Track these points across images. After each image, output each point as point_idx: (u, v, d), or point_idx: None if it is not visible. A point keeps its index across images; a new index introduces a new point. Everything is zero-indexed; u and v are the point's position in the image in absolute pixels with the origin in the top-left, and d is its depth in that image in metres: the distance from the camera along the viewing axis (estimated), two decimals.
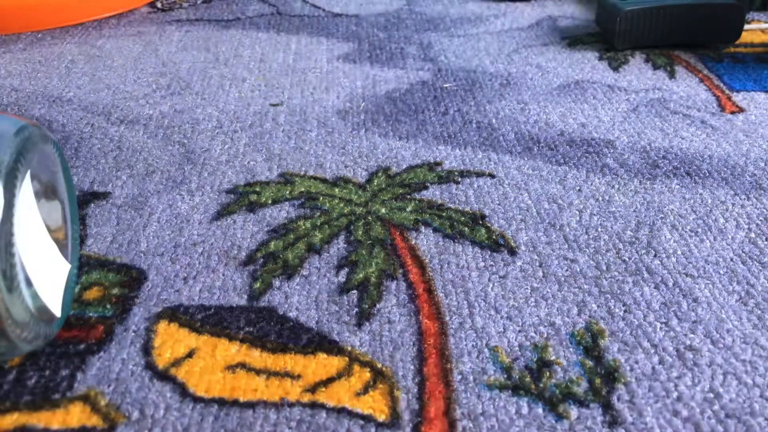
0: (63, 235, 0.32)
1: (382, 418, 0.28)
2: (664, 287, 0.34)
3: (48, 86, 0.57)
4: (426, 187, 0.43)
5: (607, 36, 0.63)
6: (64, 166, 0.32)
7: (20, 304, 0.27)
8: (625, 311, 0.33)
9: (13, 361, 0.30)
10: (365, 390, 0.29)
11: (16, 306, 0.27)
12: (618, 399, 0.28)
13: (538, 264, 0.36)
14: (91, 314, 0.33)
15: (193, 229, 0.39)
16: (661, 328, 0.32)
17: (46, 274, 0.30)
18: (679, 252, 0.37)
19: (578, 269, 0.36)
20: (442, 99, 0.54)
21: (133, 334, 0.32)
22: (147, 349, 0.31)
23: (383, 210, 0.41)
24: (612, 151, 0.46)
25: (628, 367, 0.30)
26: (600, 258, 0.36)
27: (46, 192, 0.31)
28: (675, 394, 0.29)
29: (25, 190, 0.28)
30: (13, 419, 0.28)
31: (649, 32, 0.61)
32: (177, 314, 0.33)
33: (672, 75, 0.57)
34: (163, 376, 0.30)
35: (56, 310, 0.30)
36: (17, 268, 0.27)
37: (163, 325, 0.32)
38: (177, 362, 0.30)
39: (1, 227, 0.26)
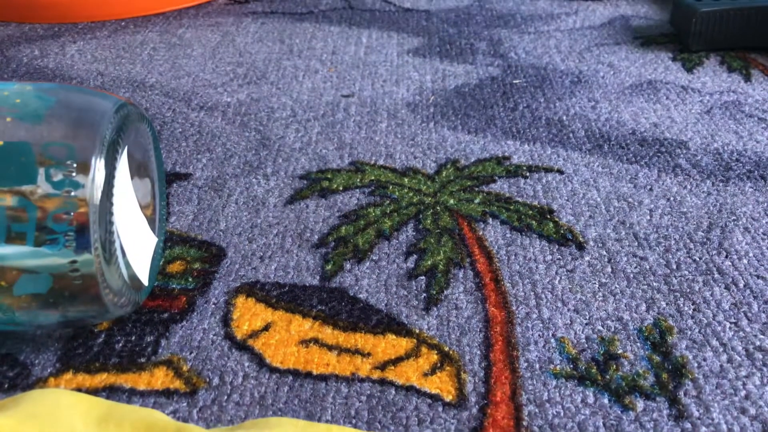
0: (151, 211, 0.34)
1: (449, 398, 0.29)
2: (734, 288, 0.34)
3: (131, 72, 0.59)
4: (494, 181, 0.43)
5: (682, 37, 0.62)
6: (156, 145, 0.34)
7: (116, 273, 0.29)
8: (694, 310, 0.33)
9: (101, 325, 0.33)
10: (433, 371, 0.30)
11: (112, 274, 0.29)
12: (685, 394, 0.29)
13: (606, 260, 0.36)
14: (174, 286, 0.35)
15: (268, 211, 0.41)
16: (730, 328, 0.32)
17: (137, 246, 0.32)
18: (751, 254, 0.36)
19: (648, 267, 0.36)
20: (512, 95, 0.55)
21: (213, 306, 0.34)
22: (226, 321, 0.33)
23: (451, 201, 0.41)
24: (685, 151, 0.46)
25: (695, 364, 0.30)
26: (670, 257, 0.36)
27: (138, 169, 0.33)
28: (743, 393, 0.29)
29: (123, 165, 0.30)
30: (102, 378, 0.30)
31: (725, 34, 0.60)
32: (254, 290, 0.35)
33: (748, 78, 0.56)
34: (242, 346, 0.31)
35: (144, 279, 0.32)
36: (114, 236, 0.29)
37: (241, 299, 0.34)
38: (254, 334, 0.32)
39: (102, 200, 0.28)
